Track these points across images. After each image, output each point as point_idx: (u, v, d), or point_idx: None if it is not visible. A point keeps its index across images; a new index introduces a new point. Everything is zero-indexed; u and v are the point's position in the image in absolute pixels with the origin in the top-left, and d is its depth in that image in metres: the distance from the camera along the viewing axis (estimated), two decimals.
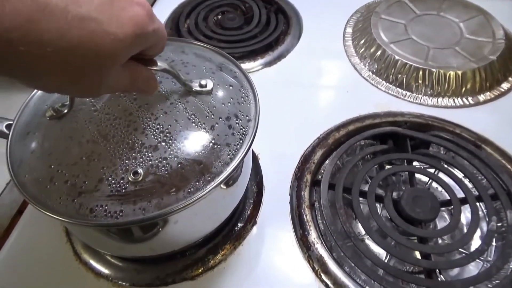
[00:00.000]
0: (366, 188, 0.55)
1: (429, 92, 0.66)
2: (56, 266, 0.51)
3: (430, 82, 0.65)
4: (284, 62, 0.75)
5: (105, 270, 0.50)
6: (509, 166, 0.57)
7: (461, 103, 0.65)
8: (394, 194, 0.57)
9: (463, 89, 0.65)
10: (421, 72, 0.66)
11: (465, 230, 0.52)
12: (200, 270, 0.50)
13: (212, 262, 0.50)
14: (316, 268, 0.49)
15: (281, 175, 0.58)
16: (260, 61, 0.73)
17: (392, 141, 0.63)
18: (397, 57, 0.68)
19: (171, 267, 0.49)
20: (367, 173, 0.56)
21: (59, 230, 0.54)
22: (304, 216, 0.53)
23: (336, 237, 0.50)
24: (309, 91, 0.70)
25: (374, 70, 0.70)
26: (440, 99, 0.65)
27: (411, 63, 0.67)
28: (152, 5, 0.87)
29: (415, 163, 0.60)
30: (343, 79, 0.71)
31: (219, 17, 0.84)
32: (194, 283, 0.49)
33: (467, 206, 0.53)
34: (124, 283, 0.49)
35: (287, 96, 0.69)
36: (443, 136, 0.60)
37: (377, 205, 0.55)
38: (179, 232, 0.43)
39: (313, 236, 0.51)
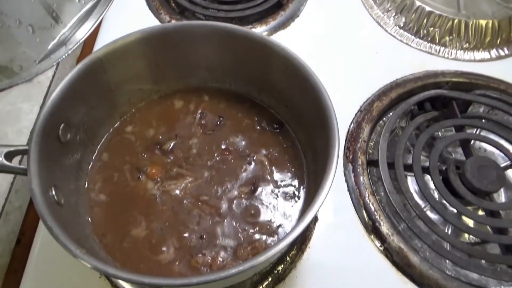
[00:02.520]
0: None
1: (464, 46, 0.61)
2: None
3: (465, 34, 0.60)
4: (298, 22, 0.65)
5: None
6: None
7: (497, 54, 0.61)
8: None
9: (499, 39, 0.61)
10: (456, 24, 0.60)
11: None
12: (271, 284, 0.44)
13: (282, 272, 0.44)
14: (397, 262, 0.45)
15: None
16: (272, 24, 0.63)
17: (430, 103, 0.58)
18: (428, 8, 0.61)
19: (239, 286, 0.43)
20: (423, 146, 0.52)
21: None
22: (371, 205, 0.48)
23: (411, 224, 0.46)
24: (334, 55, 0.61)
25: (402, 25, 0.63)
26: (476, 52, 0.61)
27: (444, 14, 0.60)
28: None
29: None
30: (369, 38, 0.63)
31: None
32: None
33: None
34: None
35: (312, 63, 0.60)
36: (489, 94, 0.56)
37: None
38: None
39: (385, 227, 0.46)
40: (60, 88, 0.37)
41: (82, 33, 0.39)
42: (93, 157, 0.45)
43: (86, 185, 0.44)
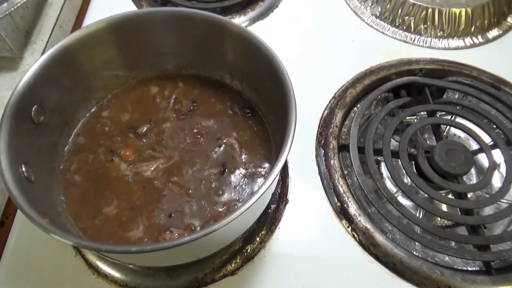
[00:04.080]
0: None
1: (439, 34, 0.62)
2: (71, 286, 0.44)
3: (439, 23, 0.61)
4: (277, 13, 0.66)
5: (132, 280, 0.44)
6: None
7: (471, 42, 0.62)
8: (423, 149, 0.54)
9: (473, 27, 0.62)
10: (430, 12, 0.61)
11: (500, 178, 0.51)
12: (240, 263, 0.45)
13: (250, 252, 0.46)
14: (363, 242, 0.46)
15: (302, 143, 0.53)
16: (251, 14, 0.64)
17: (406, 91, 0.59)
18: None
19: (209, 265, 0.44)
20: (393, 131, 0.53)
21: (62, 244, 0.46)
22: (340, 188, 0.49)
23: (378, 206, 0.47)
24: (311, 44, 0.63)
25: (378, 14, 0.64)
26: (450, 40, 0.62)
27: (419, 2, 0.61)
28: None
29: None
30: (346, 28, 0.65)
31: None
32: (236, 278, 0.45)
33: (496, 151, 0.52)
34: None
35: (289, 53, 0.61)
36: (461, 81, 0.57)
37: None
38: (225, 234, 0.37)
39: (353, 208, 0.48)
40: (31, 71, 0.39)
41: None
42: (69, 140, 0.47)
43: (61, 166, 0.45)
